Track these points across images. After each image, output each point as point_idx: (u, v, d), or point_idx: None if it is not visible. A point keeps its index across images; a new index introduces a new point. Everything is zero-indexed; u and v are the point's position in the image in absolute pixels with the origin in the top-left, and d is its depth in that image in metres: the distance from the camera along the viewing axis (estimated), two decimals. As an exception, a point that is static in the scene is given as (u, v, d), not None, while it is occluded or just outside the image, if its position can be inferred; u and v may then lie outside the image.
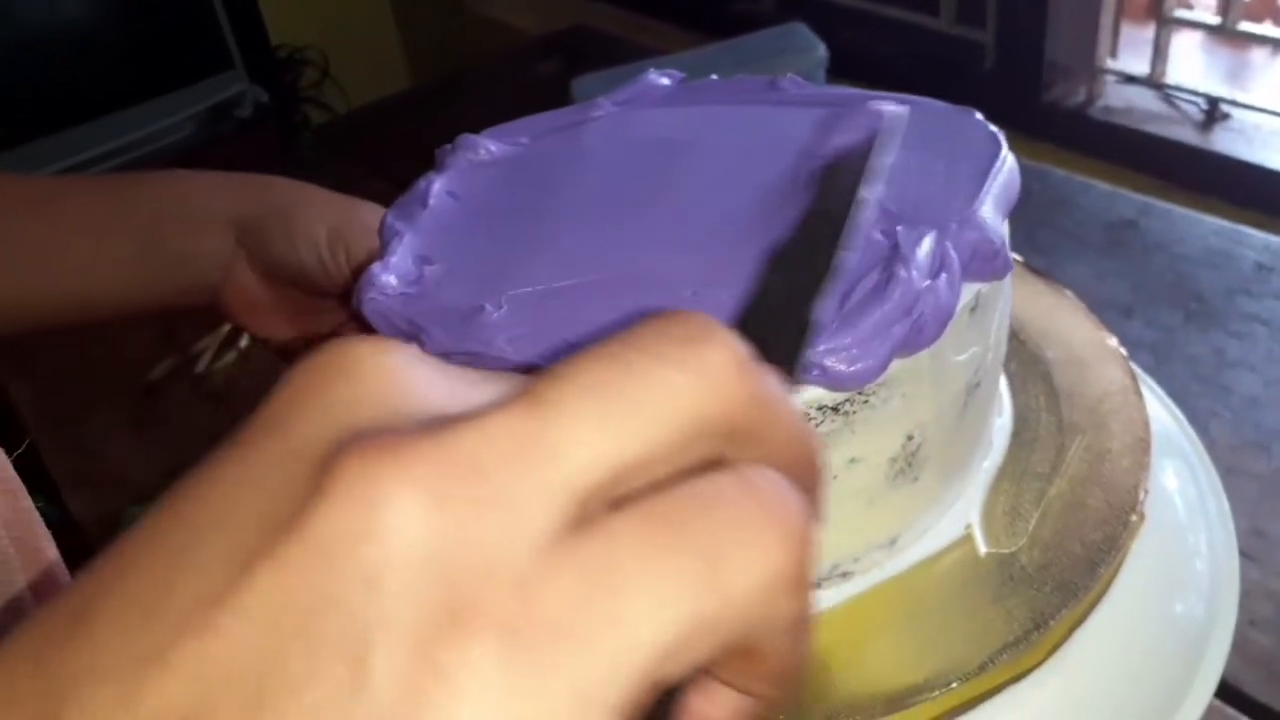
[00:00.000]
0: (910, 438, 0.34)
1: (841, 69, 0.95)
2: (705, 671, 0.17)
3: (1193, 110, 1.06)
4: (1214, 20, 1.05)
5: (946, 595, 0.35)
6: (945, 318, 0.32)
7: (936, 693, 0.32)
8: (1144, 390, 0.42)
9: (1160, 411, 0.45)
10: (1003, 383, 0.42)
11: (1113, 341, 0.44)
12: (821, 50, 0.95)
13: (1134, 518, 0.37)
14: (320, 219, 0.47)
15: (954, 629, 0.34)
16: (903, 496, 0.35)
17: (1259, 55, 1.15)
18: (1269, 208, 0.89)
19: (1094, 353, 0.43)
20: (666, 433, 0.15)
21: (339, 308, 0.52)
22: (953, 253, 0.32)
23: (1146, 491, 0.38)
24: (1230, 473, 0.57)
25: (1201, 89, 1.06)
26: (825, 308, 0.31)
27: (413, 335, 0.35)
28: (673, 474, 0.16)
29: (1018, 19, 1.08)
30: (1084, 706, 0.35)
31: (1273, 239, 0.72)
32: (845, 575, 0.36)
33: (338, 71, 1.87)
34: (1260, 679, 0.45)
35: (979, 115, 0.40)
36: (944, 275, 0.32)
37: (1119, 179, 0.86)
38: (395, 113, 1.21)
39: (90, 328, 0.52)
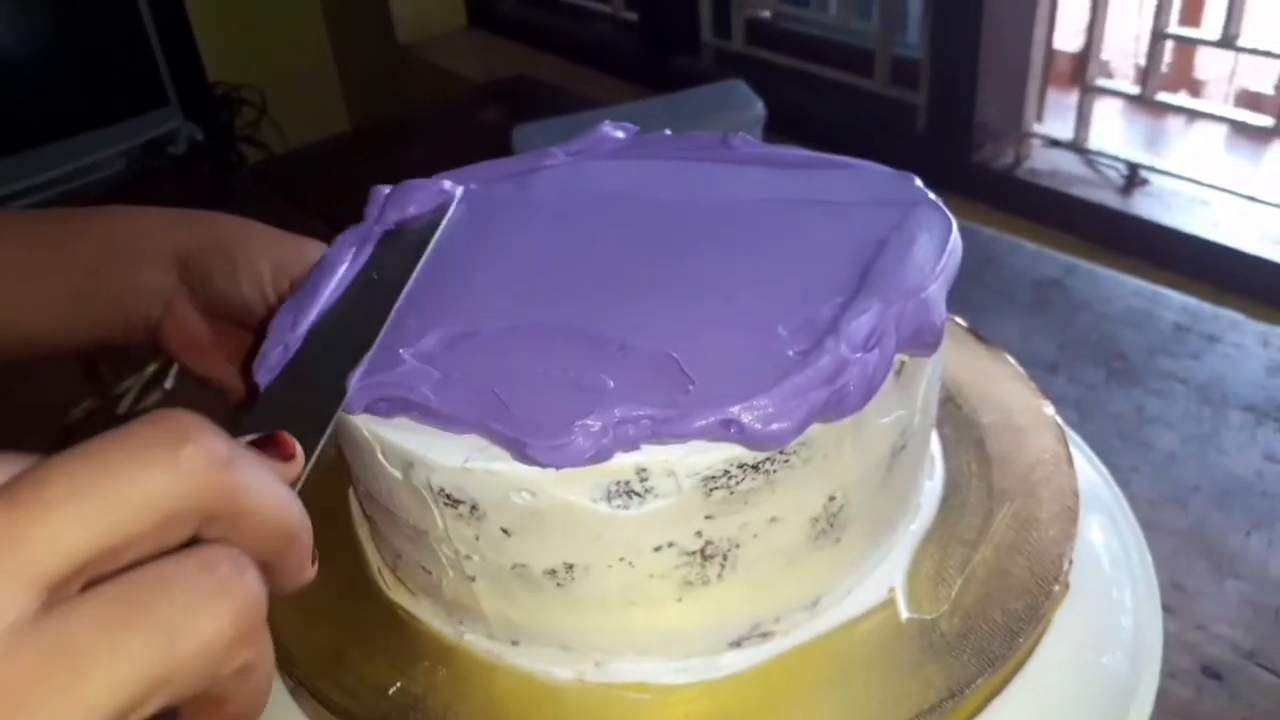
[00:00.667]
0: (832, 498, 0.34)
1: (779, 126, 0.97)
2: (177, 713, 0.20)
3: (1114, 175, 1.10)
4: (1133, 90, 1.10)
5: (867, 659, 0.35)
6: (871, 390, 0.32)
7: None
8: (1071, 448, 0.43)
9: (1086, 468, 0.46)
10: (936, 446, 0.42)
11: (1049, 410, 0.44)
12: (759, 107, 0.97)
13: (1057, 587, 0.37)
14: (264, 255, 0.47)
15: (872, 694, 0.33)
16: (825, 557, 0.35)
17: (1175, 123, 1.20)
18: (1186, 269, 0.92)
19: (1029, 420, 0.43)
20: (138, 523, 0.19)
21: None
22: (892, 330, 0.32)
23: (1071, 561, 0.38)
24: (1149, 528, 0.58)
25: (1122, 155, 1.10)
26: (355, 378, 0.32)
27: None
28: (153, 553, 0.19)
29: (949, 83, 1.12)
30: None
31: (1190, 300, 0.74)
32: (765, 635, 0.35)
33: (275, 111, 1.86)
34: (1179, 732, 0.46)
35: (918, 182, 0.40)
36: (877, 351, 0.32)
37: (1045, 239, 0.88)
38: (334, 154, 1.20)
39: (9, 365, 0.51)
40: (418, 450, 0.32)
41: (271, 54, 1.87)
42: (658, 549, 0.32)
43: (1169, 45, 1.06)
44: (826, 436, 0.32)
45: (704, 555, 0.33)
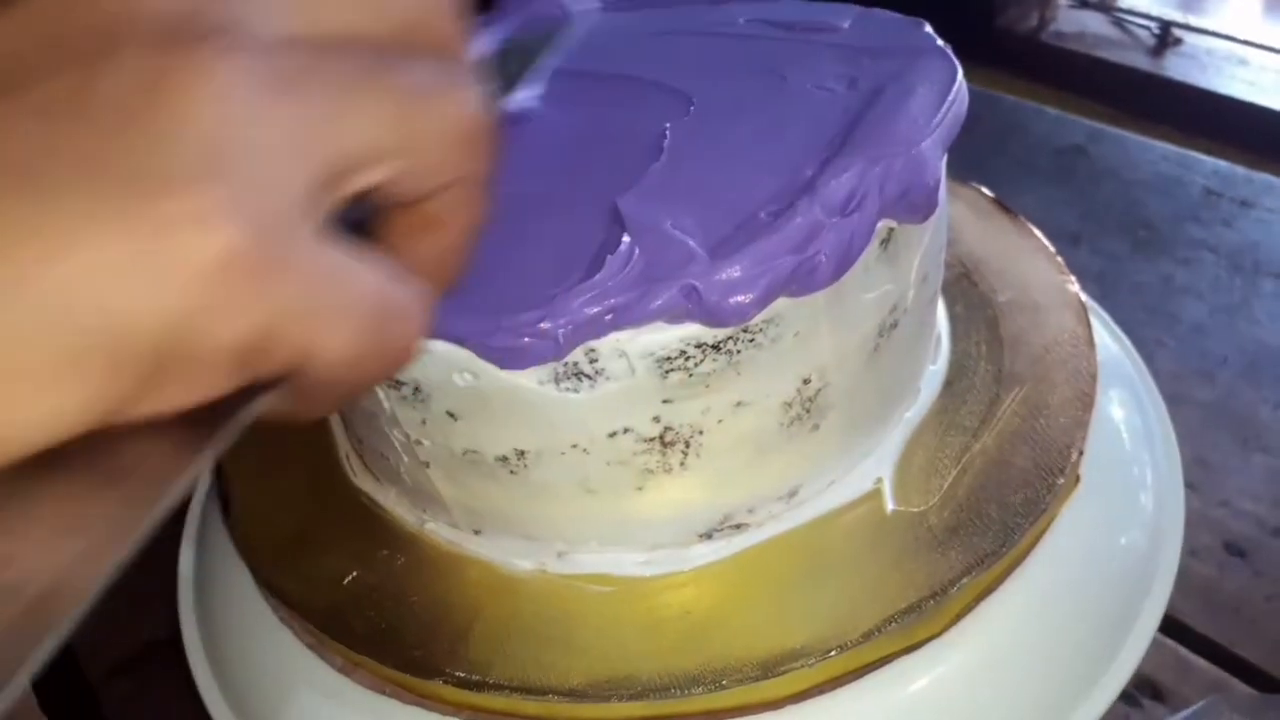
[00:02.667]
0: (807, 381, 0.30)
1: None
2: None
3: (1145, 35, 1.04)
4: (1168, -58, 1.03)
5: (847, 554, 0.32)
6: (848, 260, 0.28)
7: (813, 660, 0.29)
8: (1092, 320, 0.40)
9: (1108, 341, 0.44)
10: (943, 325, 0.39)
11: (1073, 287, 0.40)
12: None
13: (1062, 480, 0.33)
14: None
15: (851, 590, 0.31)
16: (801, 445, 0.32)
17: (1214, -16, 1.14)
18: (1220, 133, 0.88)
19: (1050, 297, 0.39)
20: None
21: None
22: (876, 191, 0.28)
23: (1081, 452, 0.34)
24: (1174, 401, 0.56)
25: (1154, 13, 1.04)
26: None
27: None
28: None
29: (970, -58, 1.06)
30: (1004, 666, 0.32)
31: (1221, 164, 0.70)
32: (738, 527, 0.33)
33: None
34: (1199, 609, 0.45)
35: (928, 29, 0.37)
36: (857, 215, 0.28)
37: (1070, 105, 0.84)
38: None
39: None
40: None
41: None
42: (612, 435, 0.30)
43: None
44: (799, 312, 0.28)
45: (664, 442, 0.30)
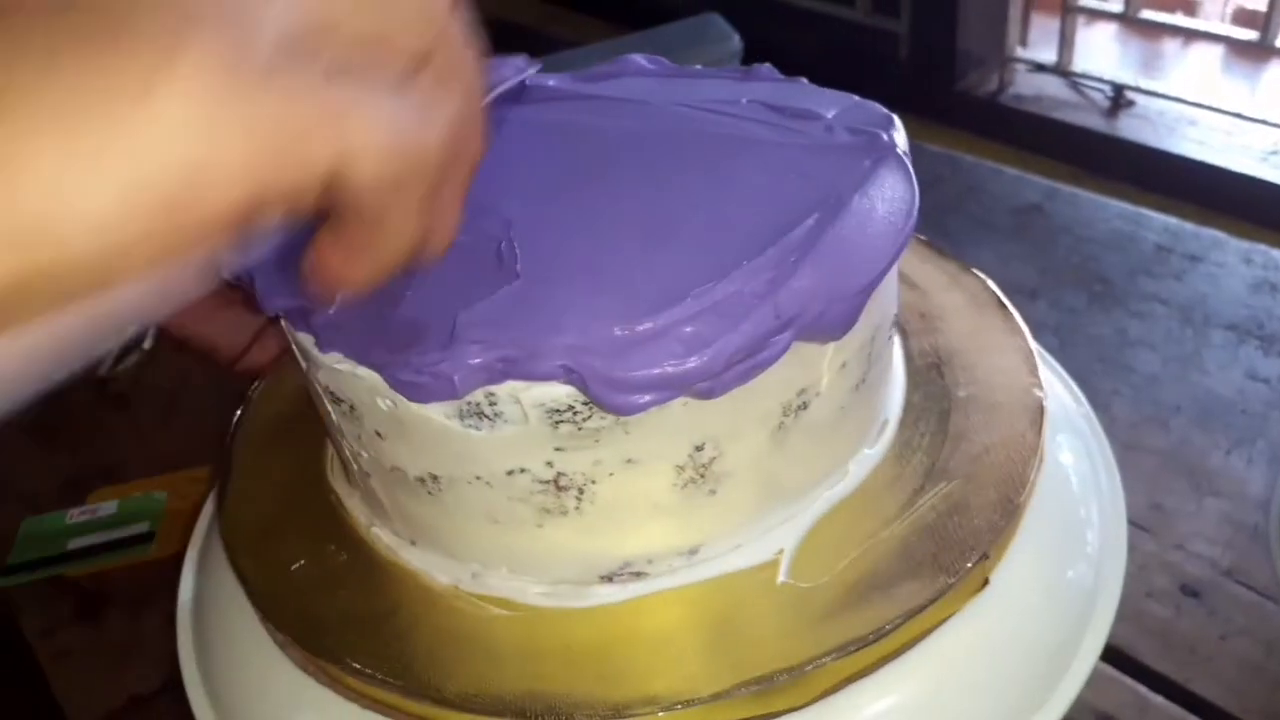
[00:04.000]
0: (699, 448, 0.30)
1: (756, 60, 0.95)
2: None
3: (1099, 98, 1.09)
4: (1116, 8, 1.08)
5: (735, 617, 0.32)
6: (749, 376, 0.29)
7: (659, 710, 0.30)
8: (1044, 367, 0.41)
9: (1060, 390, 0.46)
10: (895, 412, 0.39)
11: (1039, 393, 0.39)
12: (736, 41, 0.94)
13: (951, 581, 0.32)
14: None
15: (722, 651, 0.31)
16: (701, 507, 0.32)
17: (1170, 46, 1.18)
18: (1171, 190, 0.91)
19: (1011, 398, 0.39)
20: None
21: None
22: (804, 314, 0.29)
23: (986, 556, 0.33)
24: (1130, 448, 0.58)
25: (1108, 76, 1.08)
26: None
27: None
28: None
29: (931, 9, 1.10)
30: (978, 669, 0.33)
31: (1171, 220, 0.73)
32: (638, 575, 0.33)
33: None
34: (1156, 648, 0.46)
35: (898, 127, 0.35)
36: (778, 337, 0.29)
37: (1028, 165, 0.87)
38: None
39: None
40: (308, 346, 0.32)
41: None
42: (510, 473, 0.31)
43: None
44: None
45: (558, 486, 0.31)
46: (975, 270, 0.45)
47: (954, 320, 0.42)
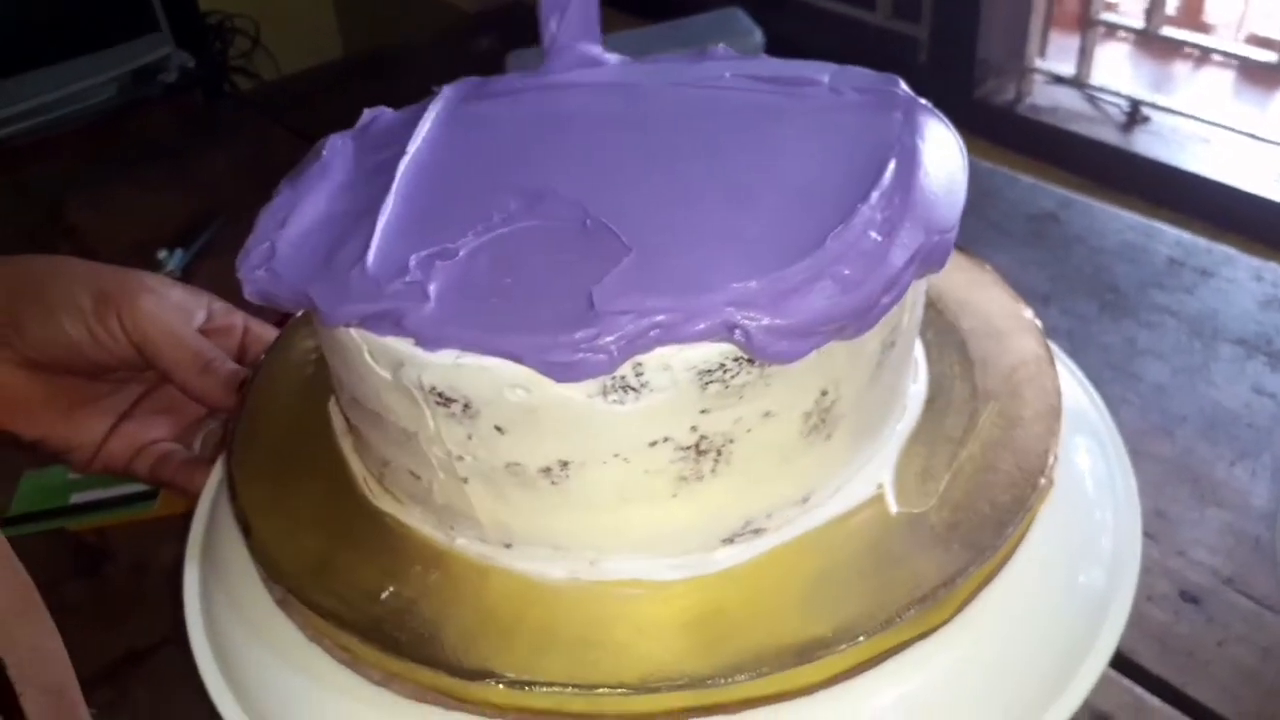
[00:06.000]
0: (825, 393, 0.33)
1: (778, 57, 0.96)
2: None
3: (1115, 112, 1.09)
4: (1138, 24, 1.08)
5: (857, 552, 0.35)
6: (882, 313, 0.32)
7: (843, 646, 0.32)
8: (1062, 369, 0.42)
9: (1076, 391, 0.46)
10: (919, 350, 0.42)
11: (1028, 314, 0.44)
12: (758, 36, 0.95)
13: (1043, 481, 0.37)
14: (82, 287, 0.43)
15: (863, 586, 0.34)
16: (816, 453, 0.35)
17: (1182, 68, 1.19)
18: (1183, 207, 0.92)
19: (1010, 324, 0.43)
20: None
21: (127, 382, 0.48)
22: (920, 258, 0.32)
23: (1056, 457, 0.38)
24: (1136, 456, 0.59)
25: (1125, 91, 1.09)
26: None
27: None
28: None
29: (952, 16, 1.10)
30: (988, 665, 0.35)
31: (1184, 235, 0.74)
32: (757, 531, 0.36)
33: (269, 41, 1.83)
34: (1155, 652, 0.47)
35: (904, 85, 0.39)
36: (907, 277, 0.32)
37: (1044, 174, 0.88)
38: (325, 82, 1.18)
39: None
40: (407, 349, 0.31)
41: (265, -18, 1.84)
42: (653, 444, 0.32)
43: (1175, -18, 1.05)
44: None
45: (699, 450, 0.32)
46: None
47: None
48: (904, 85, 0.39)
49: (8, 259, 0.45)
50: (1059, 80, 1.13)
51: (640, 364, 0.30)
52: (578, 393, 0.30)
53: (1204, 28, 1.26)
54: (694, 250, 0.31)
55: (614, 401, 0.31)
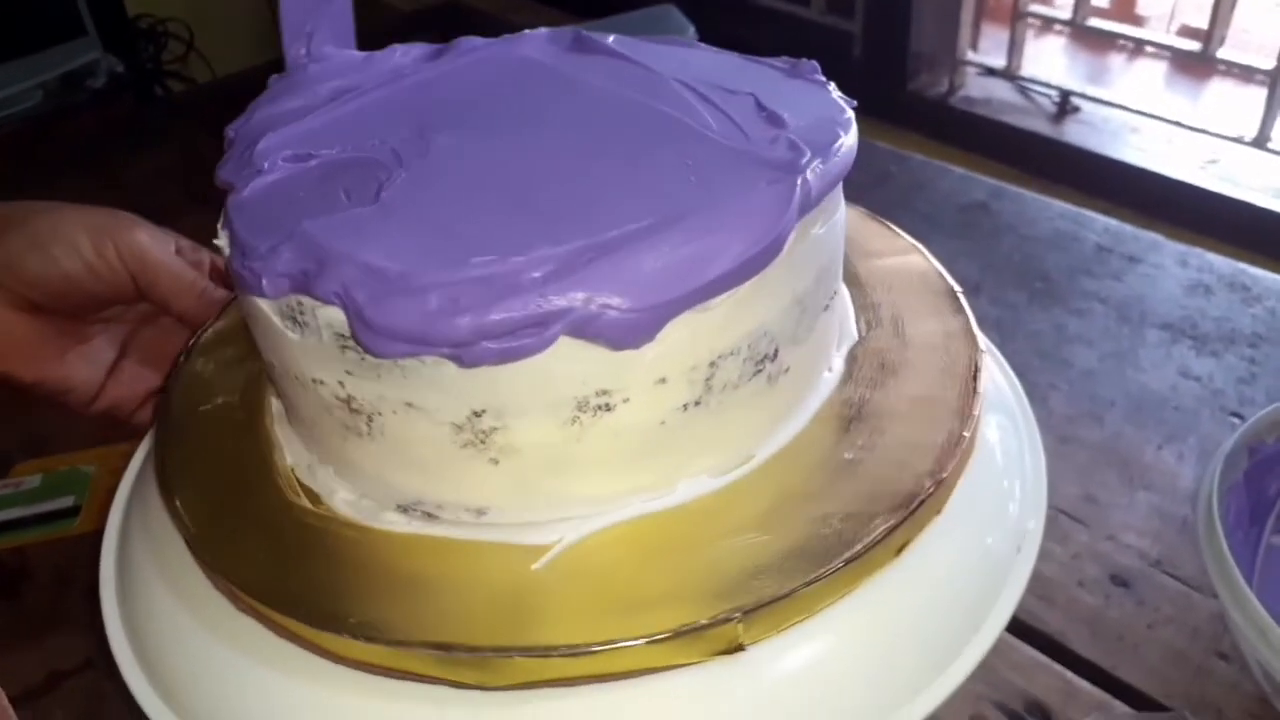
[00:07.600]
0: (478, 415, 0.31)
1: (711, 52, 0.96)
2: None
3: (1046, 103, 1.10)
4: (1065, 15, 1.09)
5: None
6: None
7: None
8: (986, 357, 0.42)
9: (996, 375, 0.46)
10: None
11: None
12: (691, 33, 0.95)
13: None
14: (73, 222, 0.44)
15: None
16: (484, 473, 0.33)
17: (1117, 59, 1.21)
18: (1113, 195, 0.93)
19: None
20: None
21: (112, 321, 0.48)
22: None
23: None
24: (1065, 441, 0.59)
25: (1055, 82, 1.10)
26: None
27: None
28: None
29: (884, 10, 1.11)
30: (897, 626, 0.34)
31: (1112, 223, 0.75)
32: (429, 516, 0.34)
33: (204, 45, 1.80)
34: (1085, 636, 0.47)
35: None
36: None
37: (975, 165, 0.88)
38: (258, 84, 1.16)
39: None
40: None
41: (196, -15, 1.81)
42: (315, 381, 0.33)
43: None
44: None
45: (351, 408, 0.32)
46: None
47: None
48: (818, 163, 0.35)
49: None
50: (991, 72, 1.14)
51: (301, 303, 0.31)
52: (265, 308, 0.32)
53: (1137, 20, 1.28)
54: (396, 224, 0.31)
55: (288, 328, 0.32)
